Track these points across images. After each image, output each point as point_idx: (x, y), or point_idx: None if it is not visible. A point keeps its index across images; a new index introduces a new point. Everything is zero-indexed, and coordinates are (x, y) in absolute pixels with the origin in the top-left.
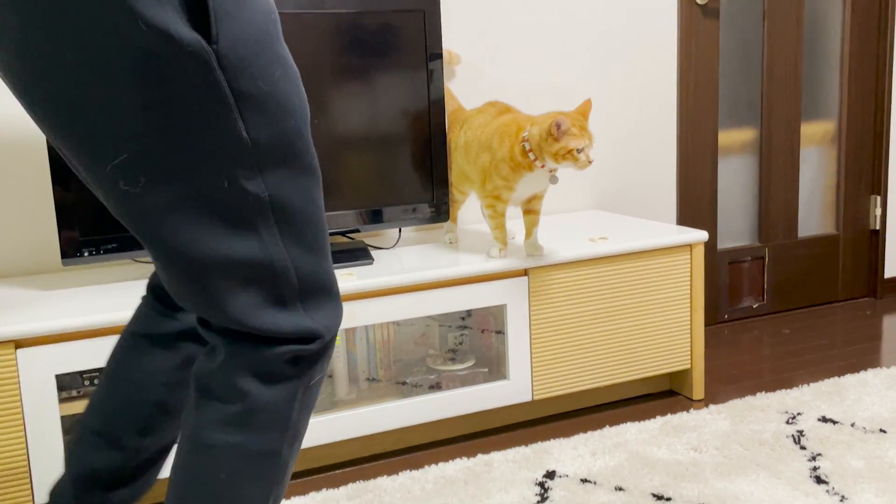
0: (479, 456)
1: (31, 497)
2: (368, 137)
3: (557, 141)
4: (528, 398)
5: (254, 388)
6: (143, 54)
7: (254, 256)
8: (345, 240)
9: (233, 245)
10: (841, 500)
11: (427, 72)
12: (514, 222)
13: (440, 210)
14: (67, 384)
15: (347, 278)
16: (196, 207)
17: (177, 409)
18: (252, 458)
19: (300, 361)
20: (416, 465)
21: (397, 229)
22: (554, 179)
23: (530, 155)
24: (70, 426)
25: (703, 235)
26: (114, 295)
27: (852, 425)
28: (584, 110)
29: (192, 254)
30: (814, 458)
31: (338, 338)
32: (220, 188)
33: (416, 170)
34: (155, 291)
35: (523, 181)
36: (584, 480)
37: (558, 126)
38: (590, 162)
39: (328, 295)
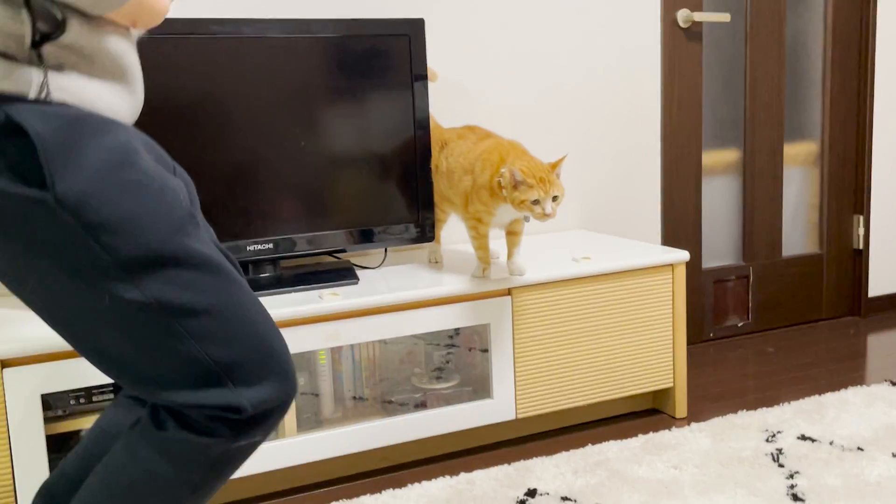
0: (462, 474)
1: None
2: (355, 158)
3: (515, 189)
4: (511, 416)
5: (172, 426)
6: None
7: (164, 359)
8: (332, 259)
9: (139, 349)
10: None
11: (412, 94)
12: (498, 242)
13: (425, 230)
14: (53, 404)
15: (333, 298)
16: (95, 322)
17: None
18: (151, 477)
19: (221, 422)
20: (400, 484)
21: (383, 249)
22: (526, 219)
23: (503, 192)
24: (56, 445)
25: (684, 255)
26: None
27: (831, 443)
28: (555, 163)
29: (104, 356)
30: (791, 476)
31: (322, 357)
32: (104, 304)
33: (402, 190)
34: None
35: (501, 209)
36: (565, 499)
37: (512, 175)
38: (546, 215)
39: (263, 373)
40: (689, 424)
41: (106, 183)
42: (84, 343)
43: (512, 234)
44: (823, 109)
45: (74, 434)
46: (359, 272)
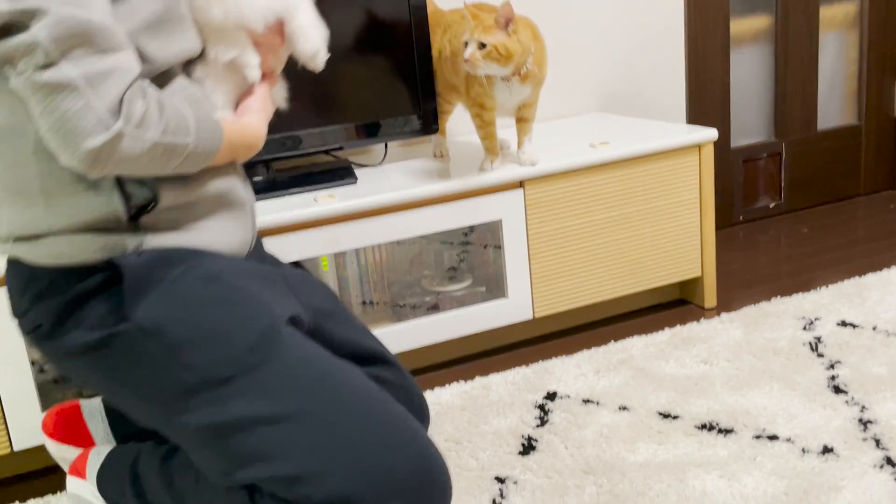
0: (478, 379)
1: (8, 442)
2: (348, 48)
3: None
4: (528, 316)
5: None
6: (89, 352)
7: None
8: (328, 158)
9: (238, 458)
10: (861, 411)
11: None
12: (508, 131)
13: (429, 122)
14: None
15: (329, 200)
16: (196, 438)
17: None
18: None
19: None
20: None
21: (383, 145)
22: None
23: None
24: (41, 368)
25: (712, 134)
26: None
27: (874, 328)
28: (508, 13)
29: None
30: (832, 366)
31: (325, 262)
32: (190, 425)
33: (401, 80)
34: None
35: (499, 88)
36: (587, 401)
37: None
38: (466, 61)
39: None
40: (718, 315)
41: (184, 307)
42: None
43: (521, 120)
44: None
45: None
46: (358, 171)
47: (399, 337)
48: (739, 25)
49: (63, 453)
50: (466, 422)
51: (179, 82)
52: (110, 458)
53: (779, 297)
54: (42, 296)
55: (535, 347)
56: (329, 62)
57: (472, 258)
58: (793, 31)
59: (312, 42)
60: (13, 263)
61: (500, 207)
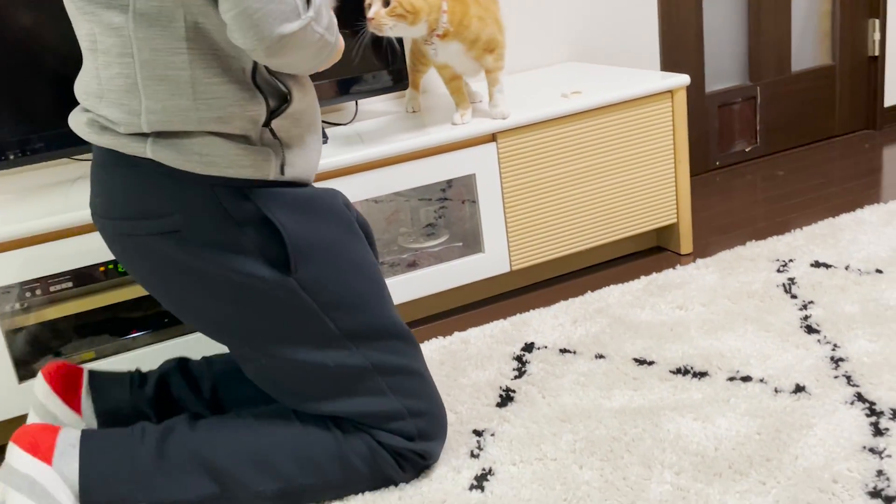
0: (456, 334)
1: None
2: None
3: None
4: (505, 269)
5: (379, 444)
6: (243, 290)
7: (371, 405)
8: None
9: (352, 398)
10: (833, 349)
11: None
12: (482, 84)
13: (400, 76)
14: (7, 298)
15: None
16: (317, 377)
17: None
18: (340, 466)
19: (408, 461)
20: None
21: (353, 102)
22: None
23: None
24: (13, 342)
25: (684, 79)
26: (50, 200)
27: (846, 268)
28: None
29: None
30: (805, 307)
31: None
32: (327, 367)
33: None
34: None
35: (429, 51)
36: (564, 350)
37: None
38: (370, 20)
39: (439, 431)
40: (694, 261)
41: (337, 266)
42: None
43: (487, 72)
44: None
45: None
46: (328, 130)
47: None
48: None
49: (50, 403)
50: (445, 376)
51: None
52: (101, 439)
53: (754, 241)
54: (192, 204)
55: (512, 300)
56: None
57: (449, 214)
58: None
59: None
60: (148, 164)
61: (473, 161)
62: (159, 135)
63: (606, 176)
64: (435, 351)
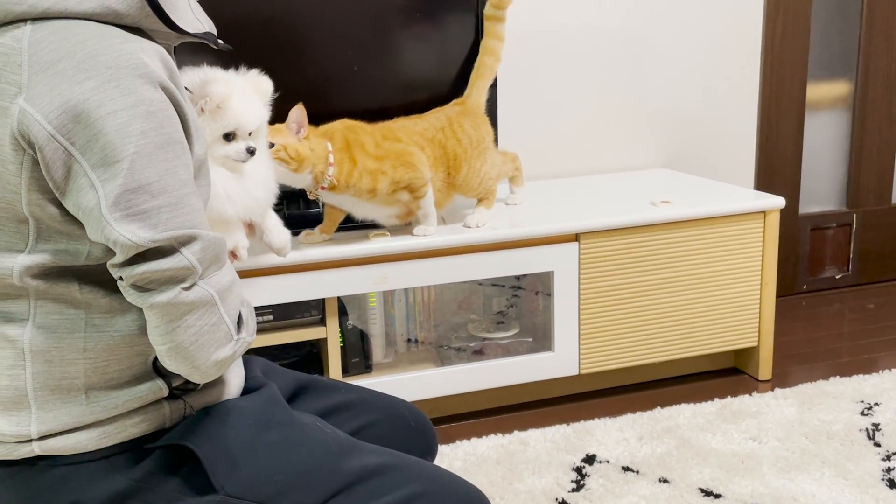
0: (516, 433)
1: None
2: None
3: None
4: (574, 372)
5: None
6: None
7: None
8: None
9: None
10: None
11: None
12: (528, 185)
13: None
14: None
15: (380, 238)
16: None
17: None
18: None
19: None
20: (448, 440)
21: None
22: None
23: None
24: None
25: (779, 202)
26: None
27: None
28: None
29: None
30: (889, 458)
31: (373, 300)
32: None
33: None
34: None
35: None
36: (626, 468)
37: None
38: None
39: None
40: (772, 389)
41: (264, 466)
42: None
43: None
44: None
45: None
46: None
47: (441, 381)
48: (817, 90)
49: None
50: (501, 477)
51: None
52: None
53: (838, 376)
54: (90, 483)
55: (577, 405)
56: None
57: (521, 304)
58: (872, 99)
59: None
60: (30, 463)
61: (553, 259)
62: (46, 436)
63: (688, 289)
64: (492, 448)
